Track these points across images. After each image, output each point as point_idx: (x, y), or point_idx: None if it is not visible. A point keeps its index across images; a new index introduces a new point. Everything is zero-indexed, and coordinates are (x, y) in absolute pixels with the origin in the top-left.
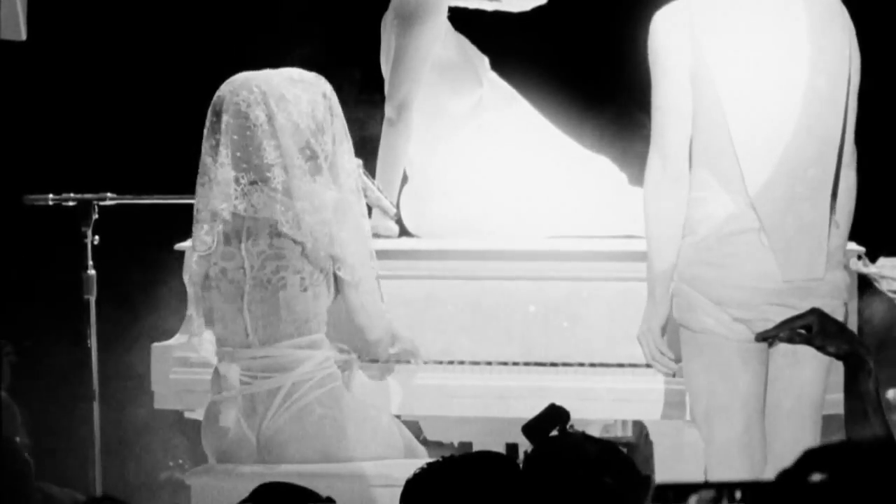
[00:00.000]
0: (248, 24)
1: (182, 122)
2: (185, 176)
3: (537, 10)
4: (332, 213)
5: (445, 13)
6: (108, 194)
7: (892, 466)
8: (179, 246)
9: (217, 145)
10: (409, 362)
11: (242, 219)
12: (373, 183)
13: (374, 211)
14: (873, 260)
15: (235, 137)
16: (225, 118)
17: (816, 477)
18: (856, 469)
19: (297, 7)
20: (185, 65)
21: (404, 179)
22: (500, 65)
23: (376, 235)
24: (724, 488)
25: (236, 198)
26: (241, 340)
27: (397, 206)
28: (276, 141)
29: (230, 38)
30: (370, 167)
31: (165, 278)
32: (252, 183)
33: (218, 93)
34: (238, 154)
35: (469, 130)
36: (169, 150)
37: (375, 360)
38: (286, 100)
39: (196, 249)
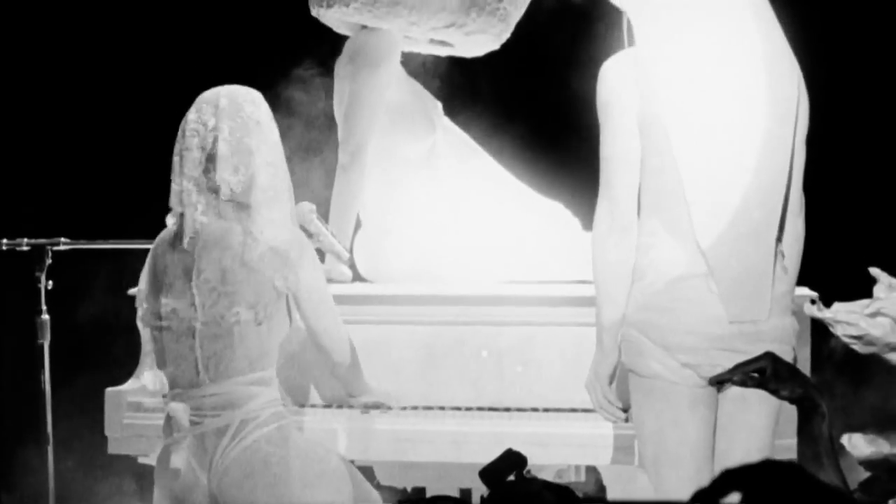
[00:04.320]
0: (198, 70)
1: (136, 168)
2: (138, 221)
3: (490, 56)
4: (287, 239)
5: (399, 58)
6: (62, 239)
7: (807, 487)
8: (133, 291)
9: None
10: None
11: (192, 256)
12: (326, 228)
13: (328, 256)
14: (828, 305)
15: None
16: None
17: (733, 498)
18: (771, 490)
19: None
20: (139, 110)
21: (358, 224)
22: (454, 110)
23: (330, 280)
24: None
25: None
26: (192, 379)
27: (351, 252)
28: (233, 162)
29: (182, 82)
30: (324, 212)
31: (119, 323)
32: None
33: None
34: (195, 174)
35: (423, 176)
36: (122, 194)
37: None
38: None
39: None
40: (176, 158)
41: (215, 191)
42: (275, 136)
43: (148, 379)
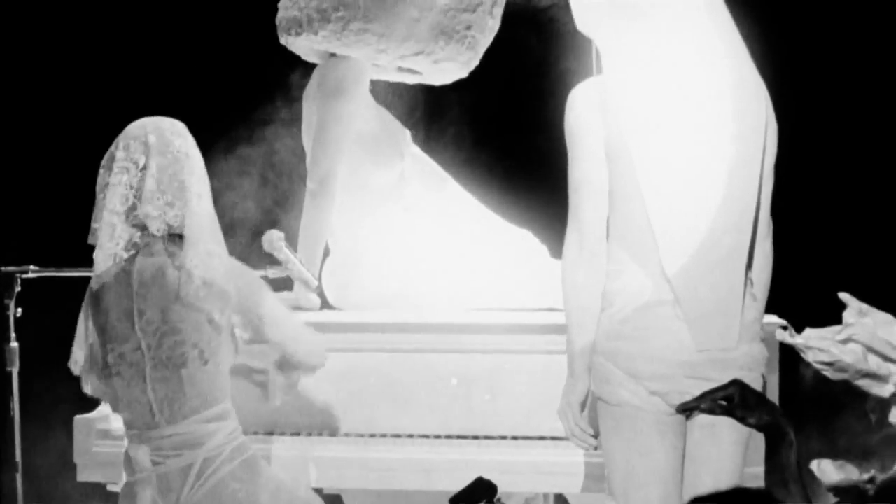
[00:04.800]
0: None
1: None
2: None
3: (458, 83)
4: (222, 272)
5: (367, 86)
6: (31, 267)
7: None
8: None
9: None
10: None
11: (132, 298)
12: (294, 256)
13: (296, 283)
14: (799, 331)
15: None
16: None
17: None
18: None
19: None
20: (108, 139)
21: (326, 252)
22: (422, 138)
23: (298, 308)
24: None
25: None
26: (148, 422)
27: (319, 279)
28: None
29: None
30: (292, 240)
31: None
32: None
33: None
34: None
35: (391, 203)
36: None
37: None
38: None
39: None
40: (100, 194)
41: (142, 227)
42: (202, 167)
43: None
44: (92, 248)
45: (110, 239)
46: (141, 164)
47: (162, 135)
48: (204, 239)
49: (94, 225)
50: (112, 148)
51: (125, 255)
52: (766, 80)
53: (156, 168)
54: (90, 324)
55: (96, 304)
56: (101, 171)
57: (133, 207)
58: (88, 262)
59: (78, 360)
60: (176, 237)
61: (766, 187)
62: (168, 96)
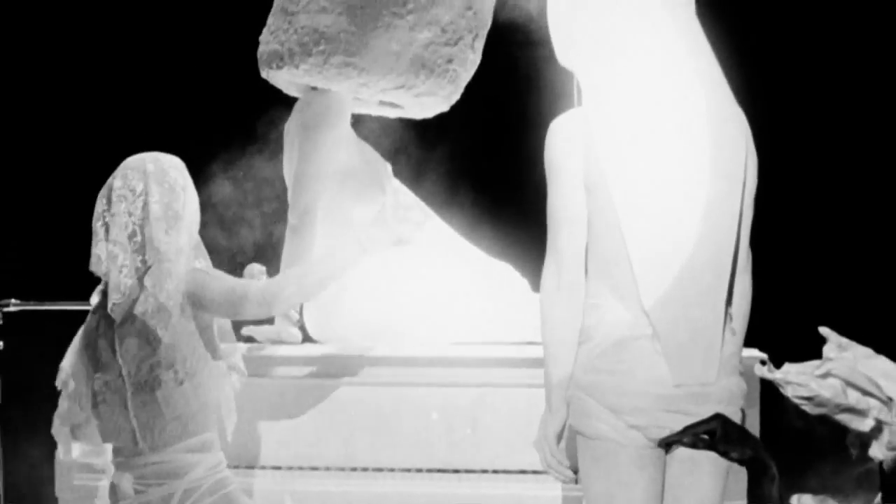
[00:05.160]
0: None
1: (87, 229)
2: (89, 282)
3: (439, 117)
4: (171, 290)
5: (349, 120)
6: (13, 300)
7: None
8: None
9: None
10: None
11: (112, 330)
12: None
13: (277, 317)
14: (778, 365)
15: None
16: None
17: None
18: None
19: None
20: (90, 172)
21: None
22: (404, 171)
23: (279, 342)
24: None
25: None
26: (132, 448)
27: (300, 313)
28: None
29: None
30: (273, 273)
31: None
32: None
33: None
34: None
35: None
36: (73, 255)
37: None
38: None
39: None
40: (98, 225)
41: (141, 252)
42: (196, 201)
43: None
44: (74, 282)
45: (117, 271)
46: (138, 190)
47: (160, 165)
48: (178, 263)
49: (94, 251)
50: (109, 180)
51: (129, 283)
52: (746, 111)
53: (157, 193)
54: (76, 356)
55: (88, 332)
56: (99, 200)
57: (134, 234)
58: (70, 296)
59: (66, 379)
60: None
61: (746, 221)
62: (148, 130)
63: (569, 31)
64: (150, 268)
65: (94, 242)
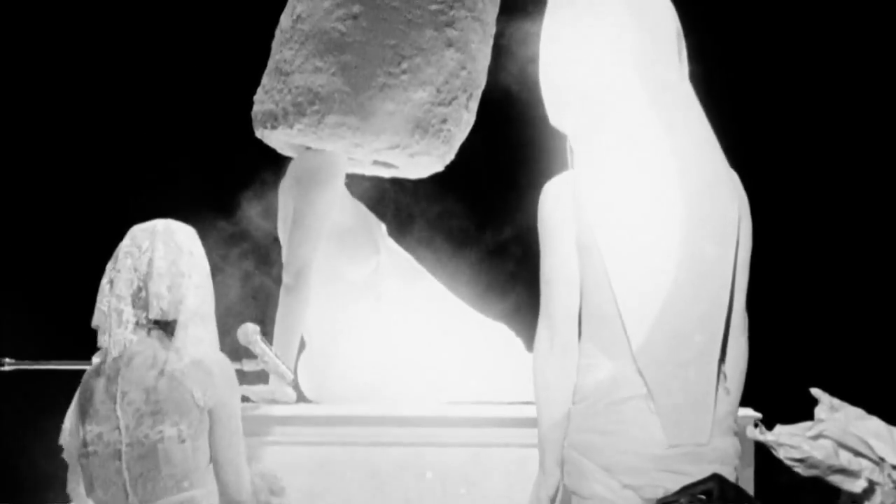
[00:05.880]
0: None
1: (79, 289)
2: (82, 342)
3: (433, 177)
4: (211, 356)
5: (343, 179)
6: (7, 360)
7: None
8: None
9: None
10: None
11: (117, 382)
12: (270, 348)
13: (272, 377)
14: (770, 427)
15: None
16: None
17: None
18: None
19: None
20: (82, 234)
21: (302, 345)
22: (398, 231)
23: (274, 401)
24: None
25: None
26: (122, 502)
27: (295, 373)
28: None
29: (124, 212)
30: (268, 333)
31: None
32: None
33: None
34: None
35: (367, 297)
36: (66, 315)
37: None
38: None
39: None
40: (105, 282)
41: (145, 308)
42: (206, 266)
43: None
44: (69, 342)
45: (119, 325)
46: (144, 247)
47: (168, 227)
48: (197, 325)
49: (98, 306)
50: (120, 242)
51: (134, 339)
52: (743, 174)
53: (163, 251)
54: (76, 406)
55: (86, 384)
56: (109, 263)
57: (139, 290)
58: (64, 355)
59: (67, 426)
60: (167, 324)
61: (740, 283)
62: (140, 193)
63: (560, 93)
64: (167, 325)
65: (98, 299)
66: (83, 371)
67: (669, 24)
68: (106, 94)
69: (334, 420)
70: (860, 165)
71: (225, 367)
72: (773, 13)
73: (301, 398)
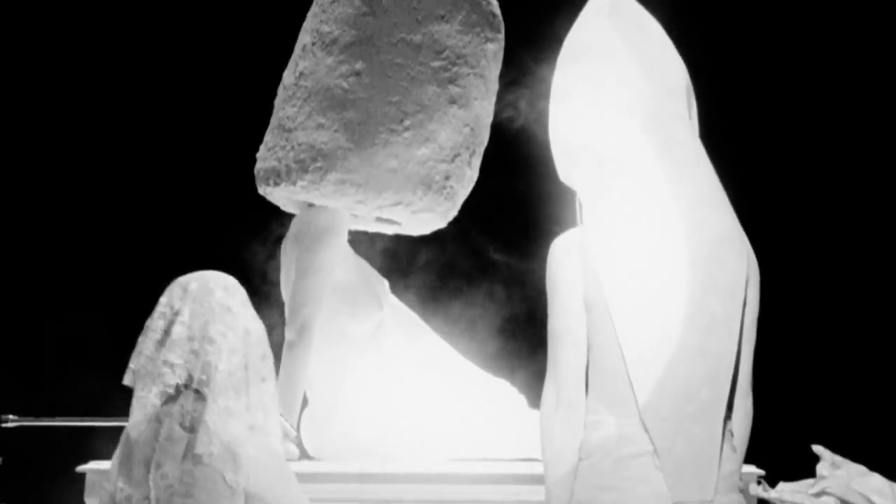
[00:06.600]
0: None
1: (82, 346)
2: (86, 399)
3: (436, 233)
4: (241, 435)
5: (346, 236)
6: (10, 416)
7: None
8: (81, 468)
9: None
10: None
11: (153, 448)
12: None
13: None
14: (773, 484)
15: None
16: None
17: None
18: None
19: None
20: (86, 286)
21: (305, 402)
22: (401, 288)
23: None
24: None
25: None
26: None
27: (298, 429)
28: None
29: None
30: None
31: (71, 501)
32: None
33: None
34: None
35: (369, 354)
36: (70, 372)
37: None
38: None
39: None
40: (141, 338)
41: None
42: (246, 323)
43: None
44: (73, 397)
45: (143, 387)
46: (175, 308)
47: (205, 284)
48: (228, 396)
49: (131, 365)
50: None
51: (158, 403)
52: (749, 229)
53: (188, 315)
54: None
55: (127, 440)
56: (149, 319)
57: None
58: (67, 412)
59: (113, 471)
60: (198, 391)
61: (748, 342)
62: (148, 251)
63: (569, 149)
64: (205, 399)
65: (132, 356)
66: (83, 428)
67: (679, 79)
68: (111, 152)
69: (337, 477)
70: (861, 222)
71: (258, 445)
72: (772, 59)
73: (304, 455)
